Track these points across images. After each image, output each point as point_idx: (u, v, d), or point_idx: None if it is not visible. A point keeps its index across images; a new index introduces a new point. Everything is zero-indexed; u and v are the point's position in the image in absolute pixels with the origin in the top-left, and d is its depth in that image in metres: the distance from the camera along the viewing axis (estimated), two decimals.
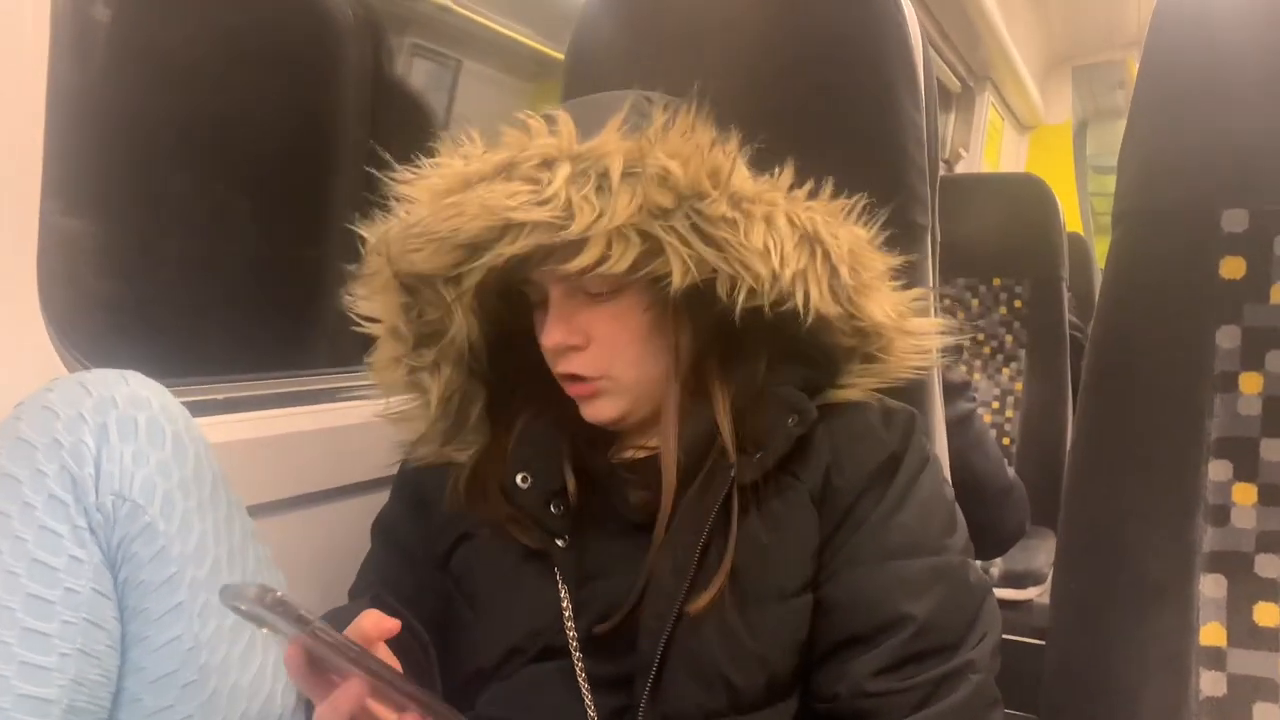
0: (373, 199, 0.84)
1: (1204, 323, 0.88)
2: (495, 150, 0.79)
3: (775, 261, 0.77)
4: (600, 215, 0.74)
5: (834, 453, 0.83)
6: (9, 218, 0.83)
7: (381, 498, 1.01)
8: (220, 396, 1.06)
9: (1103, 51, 4.18)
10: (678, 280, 0.76)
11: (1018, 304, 2.63)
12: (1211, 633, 0.85)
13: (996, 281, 2.63)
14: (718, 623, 0.77)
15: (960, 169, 3.54)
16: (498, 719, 0.83)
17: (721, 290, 0.78)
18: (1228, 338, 0.88)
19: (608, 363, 0.83)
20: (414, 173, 0.81)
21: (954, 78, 3.38)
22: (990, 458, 1.51)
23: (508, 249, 0.76)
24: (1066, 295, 2.65)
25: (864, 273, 0.83)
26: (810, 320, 0.80)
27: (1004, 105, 3.90)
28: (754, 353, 0.85)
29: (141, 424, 0.78)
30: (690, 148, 0.77)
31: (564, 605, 0.82)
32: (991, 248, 2.54)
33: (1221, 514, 0.87)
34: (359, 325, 0.89)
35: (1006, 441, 2.58)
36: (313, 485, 1.11)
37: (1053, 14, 3.67)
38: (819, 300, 0.79)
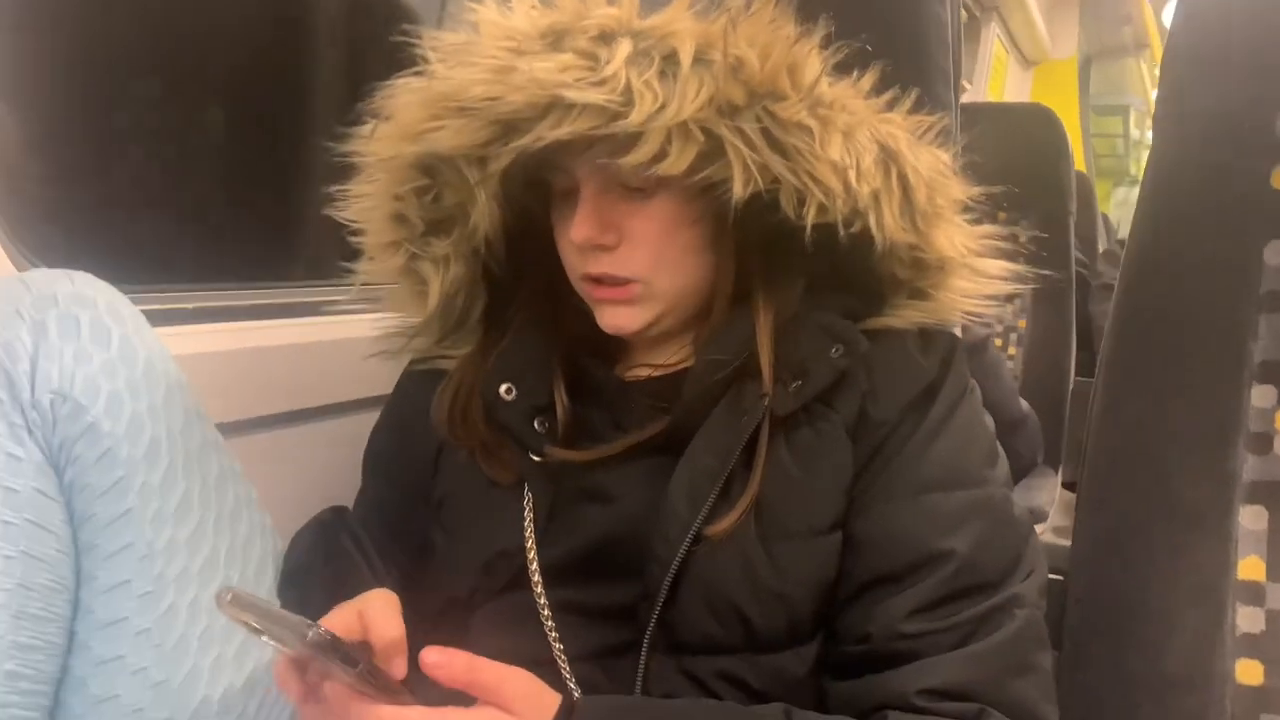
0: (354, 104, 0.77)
1: (1252, 237, 0.83)
2: (544, 11, 0.71)
3: (851, 177, 0.70)
4: (663, 106, 0.66)
5: (870, 382, 0.77)
6: None
7: (360, 419, 0.96)
8: (189, 306, 1.01)
9: None
10: (739, 189, 0.69)
11: (1022, 240, 2.57)
12: (1250, 566, 0.81)
13: (1001, 216, 2.56)
14: (738, 556, 0.72)
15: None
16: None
17: (786, 204, 0.71)
18: (1278, 254, 0.82)
19: (640, 264, 0.76)
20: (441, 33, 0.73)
21: (960, 7, 3.29)
22: (1004, 387, 1.47)
23: (550, 132, 0.68)
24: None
25: (938, 199, 0.76)
26: (882, 245, 0.74)
27: (1009, 38, 3.81)
28: (794, 274, 0.79)
29: (84, 322, 0.74)
30: (771, 37, 0.70)
31: (526, 530, 0.78)
32: (998, 180, 2.47)
33: (1263, 442, 0.82)
34: (350, 223, 0.82)
35: None
36: (287, 404, 1.06)
37: None
38: (892, 225, 0.73)
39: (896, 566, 0.72)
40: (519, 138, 0.70)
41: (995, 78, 3.68)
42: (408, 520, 0.87)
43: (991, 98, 3.68)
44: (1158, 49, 4.38)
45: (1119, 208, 5.74)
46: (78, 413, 0.72)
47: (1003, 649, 0.70)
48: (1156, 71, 4.69)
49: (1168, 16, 4.18)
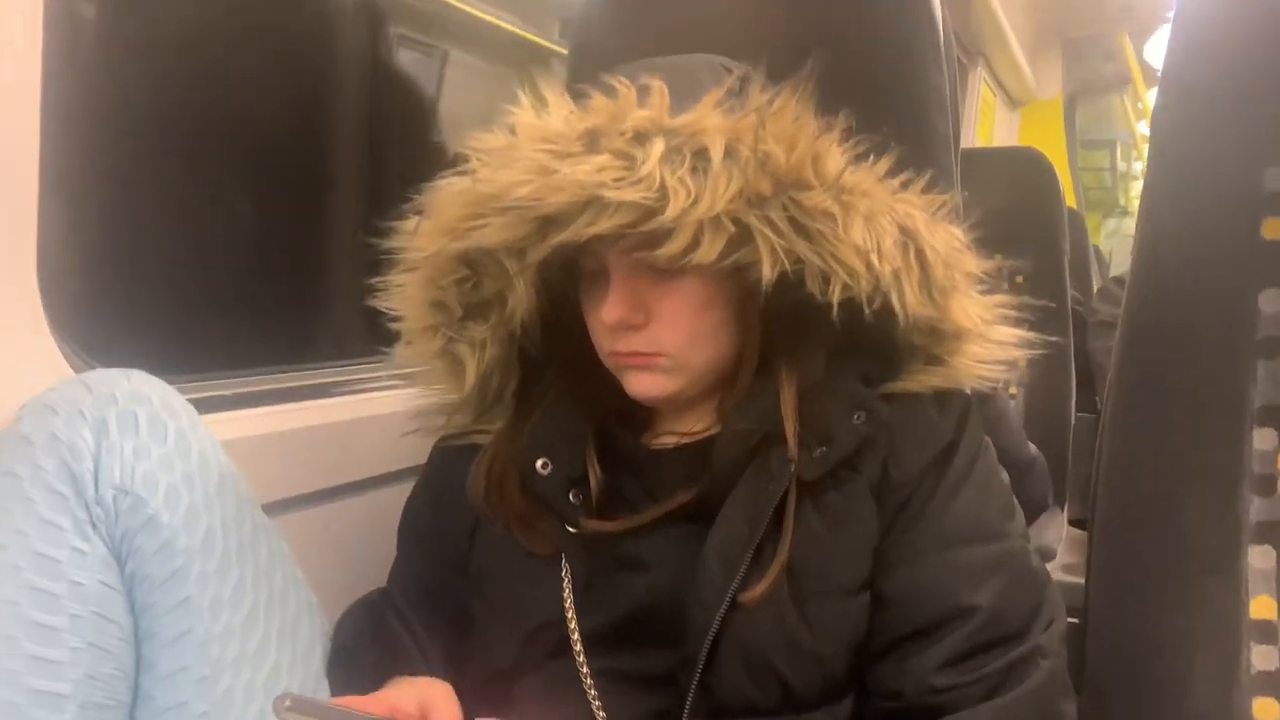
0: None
1: (1246, 286, 0.84)
2: (581, 114, 0.74)
3: (874, 258, 0.73)
4: (696, 201, 0.69)
5: (891, 444, 0.79)
6: (8, 219, 0.81)
7: (393, 492, 0.98)
8: (229, 393, 1.03)
9: (1092, 24, 4.15)
10: (767, 273, 0.72)
11: (1020, 279, 2.60)
12: (1262, 605, 0.82)
13: (999, 259, 2.60)
14: (773, 619, 0.74)
15: None
16: None
17: (812, 284, 0.74)
18: (1271, 301, 0.84)
19: (669, 342, 0.79)
20: (484, 134, 0.76)
21: (956, 72, 3.35)
22: (1013, 432, 1.49)
23: (588, 228, 0.71)
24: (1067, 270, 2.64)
25: (955, 274, 0.80)
26: (904, 321, 0.77)
27: (996, 81, 3.87)
28: (817, 343, 0.82)
29: (142, 419, 0.77)
30: (796, 132, 0.73)
31: (566, 601, 0.80)
32: (993, 224, 2.50)
33: (1267, 484, 0.83)
34: (390, 310, 0.86)
35: None
36: (325, 481, 1.08)
37: None
38: (912, 300, 0.76)
39: (925, 621, 0.74)
40: (558, 232, 0.73)
41: (984, 120, 3.73)
42: (444, 589, 0.89)
43: (981, 140, 3.73)
44: (1140, 83, 4.45)
45: (1109, 238, 5.80)
46: (139, 506, 0.75)
47: (1028, 699, 0.72)
48: (1140, 105, 4.74)
49: (1149, 51, 4.26)
